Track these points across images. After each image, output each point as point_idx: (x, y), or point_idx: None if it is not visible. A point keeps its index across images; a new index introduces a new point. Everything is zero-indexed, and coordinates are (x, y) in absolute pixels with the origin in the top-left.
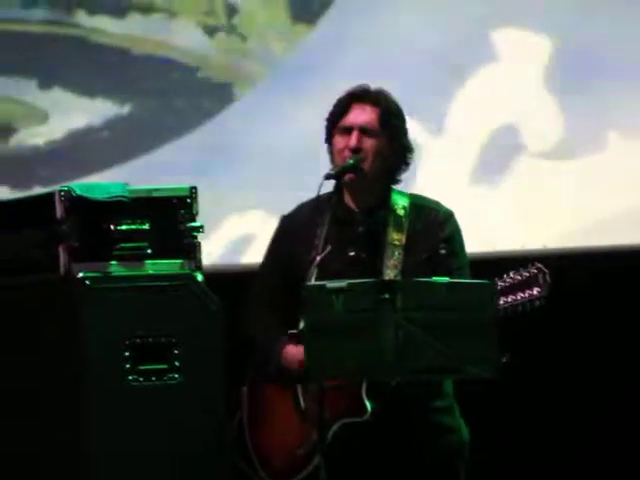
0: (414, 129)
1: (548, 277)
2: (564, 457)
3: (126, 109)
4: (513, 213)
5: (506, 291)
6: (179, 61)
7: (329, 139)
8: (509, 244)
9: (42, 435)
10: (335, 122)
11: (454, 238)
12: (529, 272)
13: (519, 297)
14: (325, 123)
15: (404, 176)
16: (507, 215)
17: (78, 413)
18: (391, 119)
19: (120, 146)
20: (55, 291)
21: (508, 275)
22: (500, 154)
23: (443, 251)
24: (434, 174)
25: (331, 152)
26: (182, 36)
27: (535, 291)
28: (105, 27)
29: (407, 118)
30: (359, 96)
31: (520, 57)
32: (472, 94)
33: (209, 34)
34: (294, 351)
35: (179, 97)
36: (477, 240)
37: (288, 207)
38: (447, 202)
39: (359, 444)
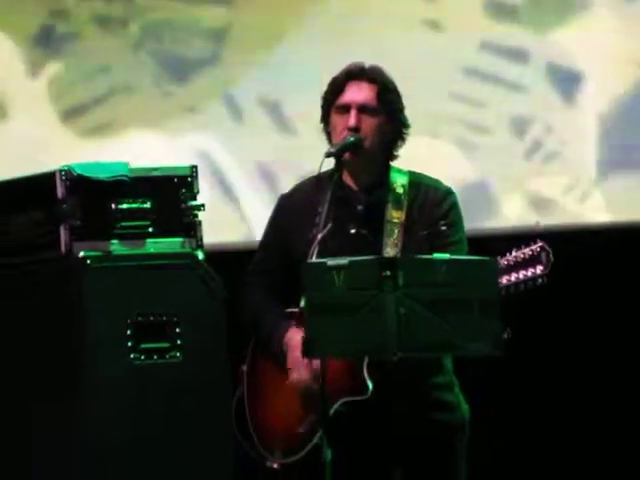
0: None
1: (551, 255)
2: (564, 437)
3: None
4: None
5: (509, 269)
6: None
7: (325, 119)
8: None
9: (44, 415)
10: (332, 101)
11: (451, 213)
12: (532, 250)
13: (522, 275)
14: (321, 102)
15: None
16: None
17: (80, 392)
18: (389, 96)
19: None
20: (56, 270)
21: (511, 253)
22: None
23: (443, 227)
24: None
25: (328, 132)
26: None
27: (538, 270)
28: None
29: None
30: (355, 74)
31: None
32: None
33: None
34: (297, 337)
35: None
36: None
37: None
38: None
39: (360, 422)
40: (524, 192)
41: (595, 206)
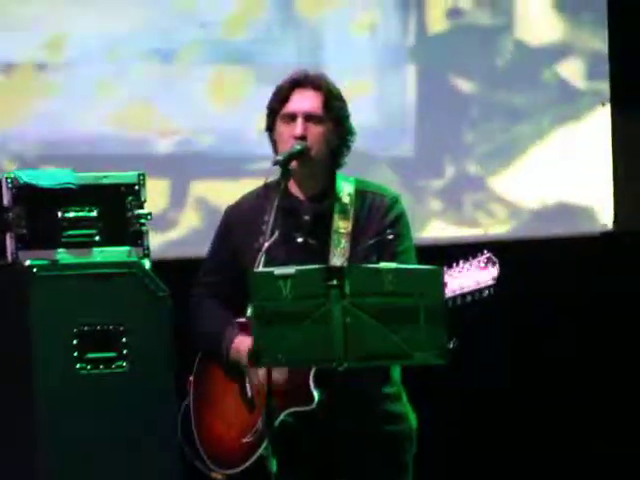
0: None
1: (498, 267)
2: (510, 443)
3: None
4: None
5: (456, 280)
6: None
7: (270, 127)
8: None
9: None
10: (277, 110)
11: (399, 222)
12: (479, 261)
13: (467, 286)
14: (266, 111)
15: None
16: None
17: (27, 402)
18: (334, 103)
19: None
20: (2, 279)
21: (458, 264)
22: None
23: (390, 236)
24: None
25: (273, 141)
26: None
27: (485, 281)
28: None
29: None
30: (300, 82)
31: None
32: None
33: None
34: (245, 342)
35: None
36: None
37: None
38: None
39: (306, 433)
40: None
41: None
